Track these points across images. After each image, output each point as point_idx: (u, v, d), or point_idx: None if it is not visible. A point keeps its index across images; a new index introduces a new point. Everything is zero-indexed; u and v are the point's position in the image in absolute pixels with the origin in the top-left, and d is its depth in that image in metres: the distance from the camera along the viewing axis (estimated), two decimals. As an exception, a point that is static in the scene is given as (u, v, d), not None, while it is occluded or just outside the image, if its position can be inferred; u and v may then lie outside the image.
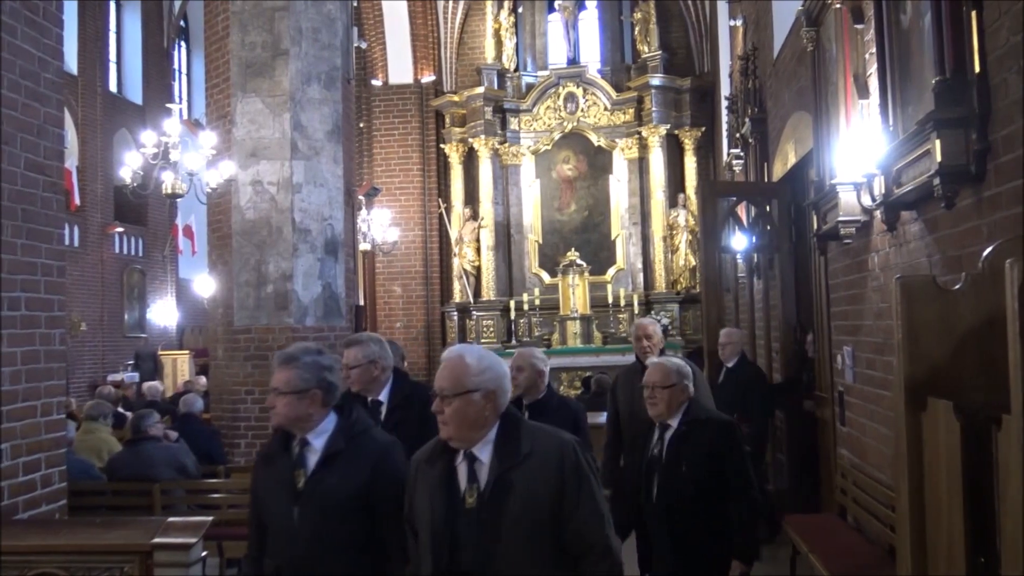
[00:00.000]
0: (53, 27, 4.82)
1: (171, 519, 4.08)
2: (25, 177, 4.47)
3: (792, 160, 7.63)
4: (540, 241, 15.55)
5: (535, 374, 4.81)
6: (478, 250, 15.41)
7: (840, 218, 5.29)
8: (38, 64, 4.64)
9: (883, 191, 4.50)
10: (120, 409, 9.88)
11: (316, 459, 3.02)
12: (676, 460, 3.94)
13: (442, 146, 15.91)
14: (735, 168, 11.02)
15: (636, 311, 14.52)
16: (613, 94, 15.34)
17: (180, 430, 7.24)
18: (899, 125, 4.18)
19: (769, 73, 8.78)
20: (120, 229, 19.32)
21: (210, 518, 4.20)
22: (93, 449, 6.90)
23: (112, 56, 20.21)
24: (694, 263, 14.71)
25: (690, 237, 14.77)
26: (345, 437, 3.05)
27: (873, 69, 4.81)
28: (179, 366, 16.92)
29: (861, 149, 4.94)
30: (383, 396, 4.22)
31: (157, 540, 3.85)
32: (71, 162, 17.02)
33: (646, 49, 15.39)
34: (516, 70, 15.91)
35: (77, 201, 17.50)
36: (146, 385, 11.77)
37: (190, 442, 6.90)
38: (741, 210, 9.65)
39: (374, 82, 15.98)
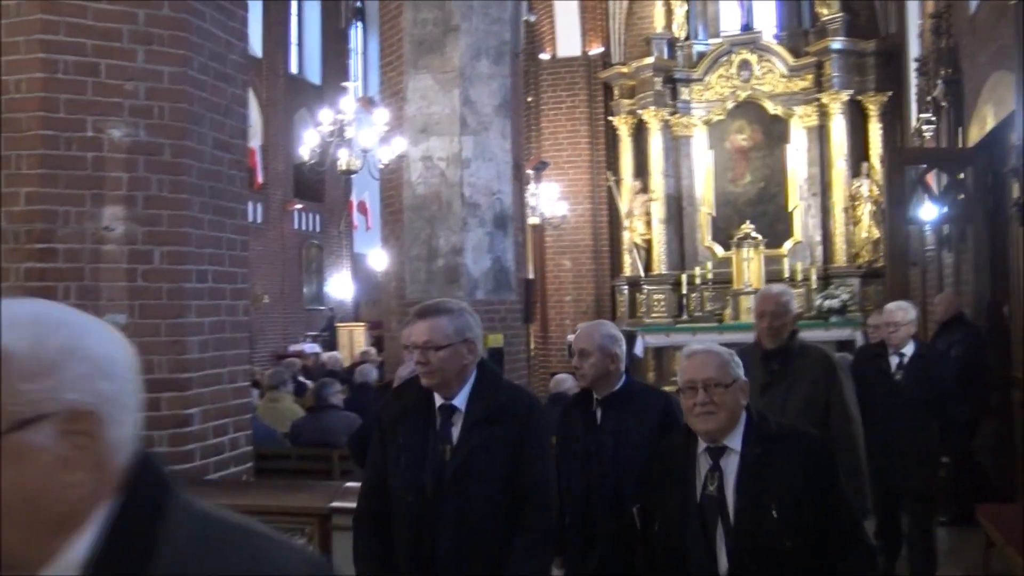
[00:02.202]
0: (239, 10, 5.00)
1: (348, 484, 4.19)
2: (212, 155, 4.67)
3: (990, 124, 7.11)
4: (713, 214, 15.11)
5: (605, 359, 3.51)
6: (648, 223, 15.12)
7: (1047, 185, 4.87)
8: (225, 46, 4.83)
9: (1101, 154, 4.10)
10: (301, 378, 10.33)
11: None
12: (756, 502, 2.56)
13: (610, 118, 15.68)
14: (925, 134, 10.38)
15: (814, 286, 13.95)
16: (790, 60, 14.68)
17: (355, 399, 7.48)
18: (1122, 80, 3.78)
19: (965, 31, 8.19)
20: (299, 206, 20.20)
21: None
22: (278, 417, 7.21)
23: (293, 39, 21.08)
24: (877, 235, 13.96)
25: (873, 208, 13.99)
26: None
27: (1090, 20, 4.37)
28: (355, 337, 17.56)
29: (1074, 109, 4.52)
30: (459, 401, 2.87)
31: (335, 504, 3.98)
32: (255, 142, 17.87)
33: (826, 11, 14.61)
34: (687, 39, 15.45)
35: (260, 179, 18.37)
36: (326, 355, 12.26)
37: (364, 411, 7.10)
38: (930, 179, 9.10)
39: (542, 56, 15.92)
